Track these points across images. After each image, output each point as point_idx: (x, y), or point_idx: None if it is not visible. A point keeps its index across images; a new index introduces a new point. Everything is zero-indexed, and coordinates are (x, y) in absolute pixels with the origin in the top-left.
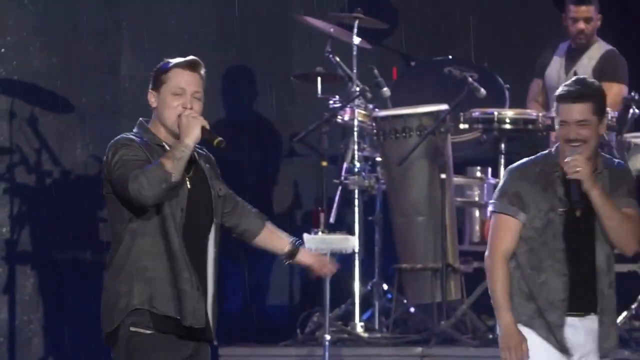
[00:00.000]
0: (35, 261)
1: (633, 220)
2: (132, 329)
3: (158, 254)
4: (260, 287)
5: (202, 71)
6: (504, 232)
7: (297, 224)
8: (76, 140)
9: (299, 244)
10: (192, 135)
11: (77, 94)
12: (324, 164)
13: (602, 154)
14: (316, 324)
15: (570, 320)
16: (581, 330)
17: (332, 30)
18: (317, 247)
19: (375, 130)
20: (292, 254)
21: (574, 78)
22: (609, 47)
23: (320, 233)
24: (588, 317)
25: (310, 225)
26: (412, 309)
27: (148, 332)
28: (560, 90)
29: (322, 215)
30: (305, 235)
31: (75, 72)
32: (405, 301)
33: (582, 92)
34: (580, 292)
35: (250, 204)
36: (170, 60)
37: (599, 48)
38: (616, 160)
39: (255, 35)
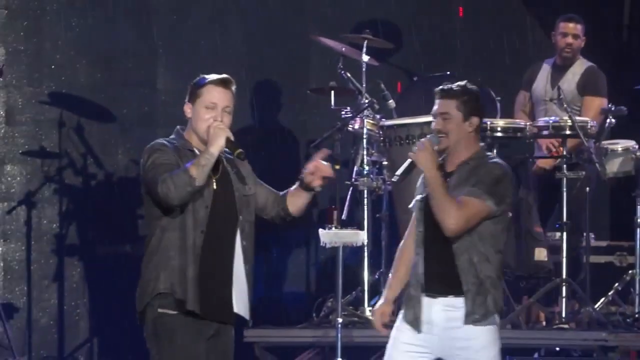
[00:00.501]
0: (82, 253)
1: (461, 205)
2: (159, 310)
3: (180, 247)
4: (281, 275)
5: (233, 88)
6: (411, 225)
7: (313, 221)
8: (117, 146)
9: (300, 178)
10: (217, 145)
11: (119, 106)
12: (337, 167)
13: (487, 153)
14: (330, 308)
15: (428, 301)
16: (440, 308)
17: (343, 49)
18: (331, 240)
19: (382, 138)
20: (302, 184)
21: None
22: (590, 63)
23: (333, 228)
24: (449, 296)
25: (325, 221)
26: None
27: (173, 312)
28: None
29: (335, 213)
30: (321, 230)
31: (117, 87)
32: None
33: (446, 90)
34: (438, 273)
35: None
36: (206, 77)
37: (582, 65)
38: (492, 160)
39: (277, 54)
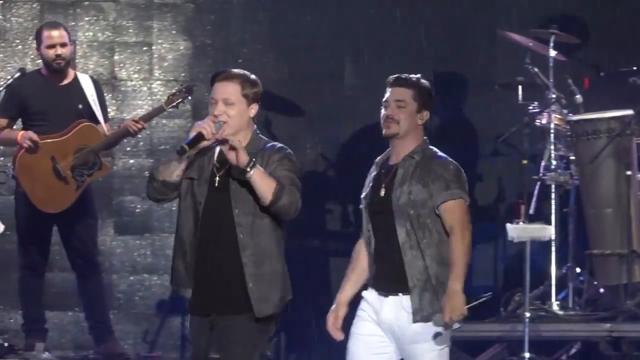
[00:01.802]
0: None
1: (453, 217)
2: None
3: (180, 243)
4: (469, 270)
5: (237, 79)
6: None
7: (500, 215)
8: (306, 141)
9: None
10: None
11: (306, 101)
12: (525, 162)
13: (430, 147)
14: (517, 303)
15: (378, 296)
16: (390, 306)
17: (531, 44)
18: (519, 235)
19: (569, 133)
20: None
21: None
22: None
23: (521, 223)
24: (399, 294)
25: (513, 216)
26: (601, 290)
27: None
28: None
29: (522, 207)
30: (508, 225)
31: (304, 81)
32: (595, 283)
33: (404, 79)
34: (387, 269)
35: None
36: None
37: None
38: (438, 155)
39: (463, 49)
